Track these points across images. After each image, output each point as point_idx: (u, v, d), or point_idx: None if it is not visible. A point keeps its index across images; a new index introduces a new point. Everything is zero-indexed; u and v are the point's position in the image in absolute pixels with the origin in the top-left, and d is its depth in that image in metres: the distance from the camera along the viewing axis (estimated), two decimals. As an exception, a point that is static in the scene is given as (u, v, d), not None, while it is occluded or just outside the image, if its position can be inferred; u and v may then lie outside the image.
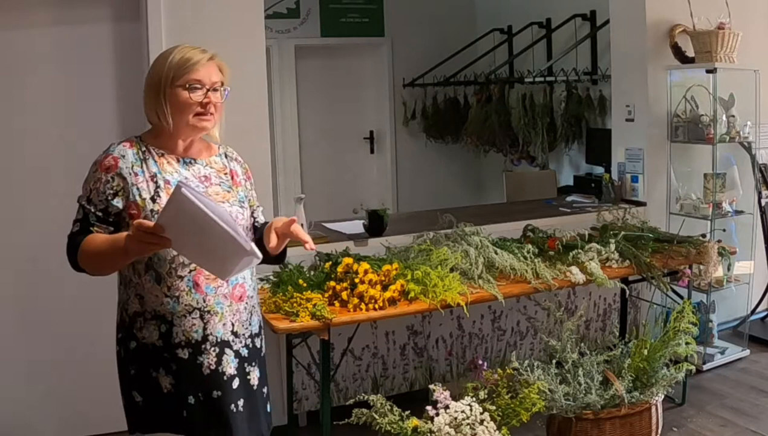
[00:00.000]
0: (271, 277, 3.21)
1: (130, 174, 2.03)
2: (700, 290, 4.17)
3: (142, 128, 3.39)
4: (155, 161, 2.08)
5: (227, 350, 2.10)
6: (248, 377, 2.17)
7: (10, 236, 3.38)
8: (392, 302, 2.86)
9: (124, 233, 1.90)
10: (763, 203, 4.65)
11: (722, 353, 4.36)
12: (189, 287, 2.04)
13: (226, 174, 2.20)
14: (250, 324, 2.18)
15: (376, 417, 2.78)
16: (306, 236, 2.10)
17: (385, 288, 2.88)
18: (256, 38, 3.45)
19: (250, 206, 2.27)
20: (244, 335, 2.15)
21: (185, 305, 2.04)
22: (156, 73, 2.07)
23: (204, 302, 2.06)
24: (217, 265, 1.94)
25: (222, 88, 2.11)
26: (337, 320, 2.74)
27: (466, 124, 6.49)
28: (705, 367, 4.21)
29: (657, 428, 3.22)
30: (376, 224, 3.70)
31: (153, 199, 2.02)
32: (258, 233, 2.22)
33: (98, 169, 2.03)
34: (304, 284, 2.95)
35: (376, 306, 2.82)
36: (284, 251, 2.22)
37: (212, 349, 2.08)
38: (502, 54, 6.66)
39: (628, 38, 4.51)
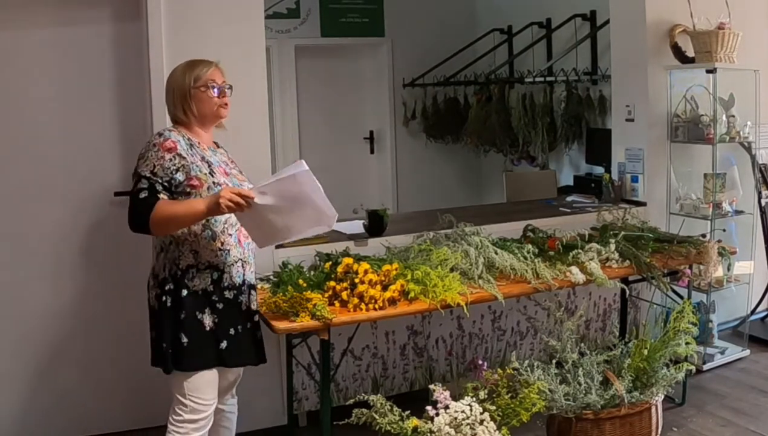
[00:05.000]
0: (271, 277, 3.22)
1: (188, 154, 2.51)
2: (700, 290, 4.17)
3: (143, 125, 3.43)
4: (197, 147, 2.58)
5: (253, 292, 2.72)
6: (257, 313, 2.75)
7: (7, 235, 3.38)
8: (392, 302, 2.86)
9: (199, 199, 2.44)
10: (763, 203, 4.65)
11: (722, 353, 4.36)
12: (235, 242, 2.61)
13: (233, 161, 2.78)
14: (256, 274, 2.82)
15: (376, 417, 2.78)
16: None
17: (385, 288, 2.87)
18: (256, 38, 3.46)
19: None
20: (255, 281, 2.78)
21: (233, 256, 2.60)
22: (178, 80, 2.59)
23: (243, 254, 2.65)
24: (268, 235, 2.53)
25: (227, 88, 2.66)
26: (337, 320, 2.74)
27: (466, 124, 6.49)
28: (705, 367, 4.21)
29: (657, 428, 3.22)
30: (376, 224, 3.70)
31: (210, 174, 2.53)
32: None
33: (160, 149, 2.48)
34: (304, 284, 2.95)
35: (376, 306, 2.82)
36: None
37: (249, 290, 2.67)
38: (502, 54, 6.66)
39: (628, 38, 4.50)
